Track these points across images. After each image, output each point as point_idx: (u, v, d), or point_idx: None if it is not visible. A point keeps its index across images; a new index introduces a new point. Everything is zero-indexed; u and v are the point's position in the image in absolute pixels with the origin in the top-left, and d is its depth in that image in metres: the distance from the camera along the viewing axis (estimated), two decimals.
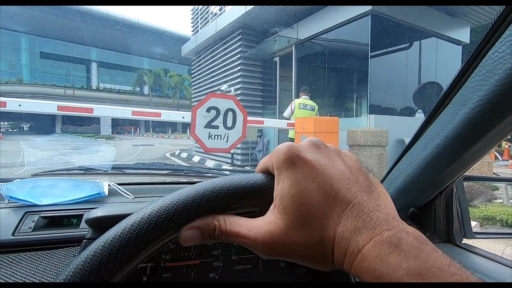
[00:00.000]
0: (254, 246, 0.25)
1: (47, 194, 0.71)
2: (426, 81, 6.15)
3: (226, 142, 3.67)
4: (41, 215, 0.68)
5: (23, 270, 0.55)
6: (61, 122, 30.10)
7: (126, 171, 0.84)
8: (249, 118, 3.79)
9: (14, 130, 32.65)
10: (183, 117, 3.65)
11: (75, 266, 0.24)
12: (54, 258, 0.60)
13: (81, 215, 0.70)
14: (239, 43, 7.13)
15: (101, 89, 31.93)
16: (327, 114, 6.35)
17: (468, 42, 6.72)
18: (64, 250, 0.64)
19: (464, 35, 6.58)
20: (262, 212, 0.31)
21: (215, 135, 3.66)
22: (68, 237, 0.67)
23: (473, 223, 3.17)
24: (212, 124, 3.68)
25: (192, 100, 10.47)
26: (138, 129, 33.83)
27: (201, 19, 9.49)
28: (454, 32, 6.34)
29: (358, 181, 0.24)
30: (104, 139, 21.50)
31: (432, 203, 0.64)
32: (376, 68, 5.25)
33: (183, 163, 8.67)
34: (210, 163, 8.12)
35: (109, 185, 0.78)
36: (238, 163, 7.21)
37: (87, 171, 0.82)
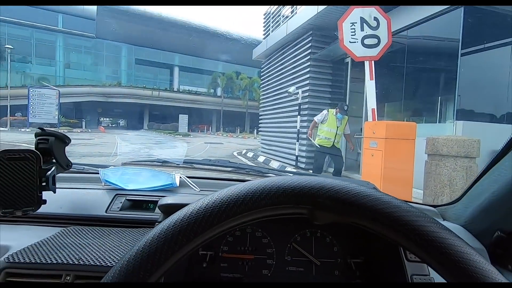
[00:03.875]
0: None
1: (132, 180, 0.84)
2: None
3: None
4: (127, 198, 0.81)
5: (110, 241, 0.66)
6: (148, 119, 34.43)
7: (195, 165, 0.94)
8: None
9: (113, 125, 38.65)
10: None
11: (145, 241, 0.29)
12: (134, 235, 0.71)
13: (157, 201, 0.81)
14: (309, 44, 7.04)
15: (181, 90, 35.48)
16: (404, 119, 5.77)
17: None
18: (142, 229, 0.75)
19: None
20: (311, 215, 0.32)
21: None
22: (146, 219, 0.78)
23: None
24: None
25: (260, 101, 10.77)
26: (210, 127, 36.40)
27: (272, 22, 9.70)
28: None
29: None
30: (181, 135, 23.81)
31: None
32: (468, 67, 4.53)
33: (249, 162, 8.99)
34: (274, 164, 8.23)
35: (180, 177, 0.88)
36: (302, 165, 7.12)
37: (164, 163, 0.94)
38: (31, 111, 20.02)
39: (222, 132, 33.17)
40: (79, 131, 22.64)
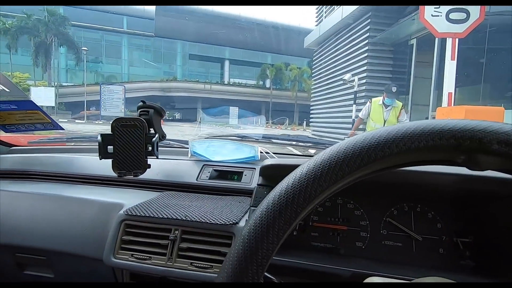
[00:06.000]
0: None
1: (217, 152, 0.88)
2: None
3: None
4: (214, 168, 0.85)
5: (207, 204, 0.71)
6: (201, 112, 36.25)
7: (273, 140, 0.94)
8: None
9: (169, 118, 41.68)
10: None
11: (272, 197, 0.26)
12: (226, 201, 0.75)
13: (241, 172, 0.84)
14: (368, 27, 6.59)
15: (231, 83, 36.48)
16: (485, 105, 5.07)
17: None
18: (229, 197, 0.79)
19: None
20: (472, 159, 0.27)
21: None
22: (232, 187, 0.81)
23: None
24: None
25: (312, 91, 10.51)
26: (259, 120, 36.90)
27: (326, 7, 9.30)
28: None
29: None
30: (232, 127, 24.60)
31: None
32: None
33: (299, 153, 8.88)
34: None
35: (261, 151, 0.90)
36: None
37: (243, 138, 0.97)
38: (102, 106, 22.57)
39: (271, 124, 33.30)
40: None
